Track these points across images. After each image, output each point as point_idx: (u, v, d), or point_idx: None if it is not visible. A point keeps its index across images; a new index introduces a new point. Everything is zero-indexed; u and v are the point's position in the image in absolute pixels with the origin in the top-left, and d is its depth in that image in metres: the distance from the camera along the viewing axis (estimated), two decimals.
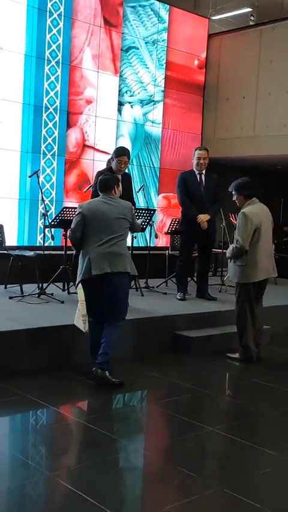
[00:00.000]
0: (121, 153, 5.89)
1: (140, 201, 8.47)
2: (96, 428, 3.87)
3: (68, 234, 4.95)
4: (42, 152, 8.02)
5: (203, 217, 6.65)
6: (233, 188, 5.59)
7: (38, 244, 7.68)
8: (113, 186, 4.88)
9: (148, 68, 9.28)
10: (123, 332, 4.89)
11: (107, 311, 4.71)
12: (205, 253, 7.02)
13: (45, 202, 7.18)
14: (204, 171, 6.86)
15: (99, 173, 6.05)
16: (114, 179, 4.97)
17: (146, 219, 7.10)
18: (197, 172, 6.85)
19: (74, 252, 7.26)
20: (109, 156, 7.51)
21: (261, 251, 5.51)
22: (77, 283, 4.86)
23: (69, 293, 6.67)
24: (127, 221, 4.81)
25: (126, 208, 4.84)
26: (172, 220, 7.96)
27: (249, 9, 11.57)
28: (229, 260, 5.68)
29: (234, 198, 5.61)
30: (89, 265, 4.64)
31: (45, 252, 6.55)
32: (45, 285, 6.41)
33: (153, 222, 7.53)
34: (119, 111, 8.93)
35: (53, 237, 6.49)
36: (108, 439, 3.70)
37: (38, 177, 6.50)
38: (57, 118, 8.15)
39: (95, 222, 4.71)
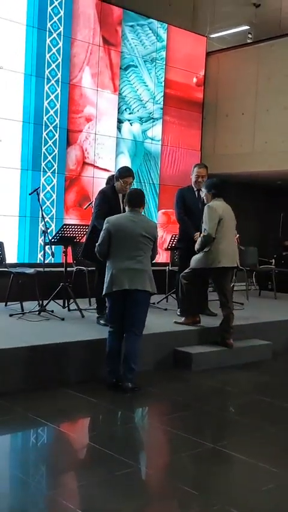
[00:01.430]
0: (126, 174, 5.85)
1: None
2: (97, 446, 3.85)
3: (95, 249, 5.07)
4: (42, 170, 8.07)
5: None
6: (204, 186, 6.31)
7: (38, 262, 7.69)
8: (141, 202, 5.05)
9: (147, 85, 9.36)
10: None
11: (126, 322, 4.94)
12: None
13: (46, 220, 7.21)
14: (202, 188, 6.88)
15: (102, 192, 6.06)
16: (142, 195, 5.12)
17: None
18: (195, 189, 6.89)
19: (74, 269, 7.36)
20: (109, 173, 7.55)
21: (226, 241, 6.02)
22: (103, 294, 5.04)
23: (69, 310, 6.67)
24: (150, 240, 4.96)
25: (151, 227, 5.02)
26: (172, 236, 7.98)
27: (247, 27, 11.66)
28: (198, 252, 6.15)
29: (203, 195, 6.33)
30: (111, 280, 4.89)
31: (46, 269, 6.56)
32: (45, 302, 6.41)
33: None
34: (119, 128, 8.99)
35: (53, 254, 6.51)
36: (109, 456, 3.68)
37: (38, 194, 6.52)
38: (57, 136, 8.20)
39: (119, 237, 4.90)
